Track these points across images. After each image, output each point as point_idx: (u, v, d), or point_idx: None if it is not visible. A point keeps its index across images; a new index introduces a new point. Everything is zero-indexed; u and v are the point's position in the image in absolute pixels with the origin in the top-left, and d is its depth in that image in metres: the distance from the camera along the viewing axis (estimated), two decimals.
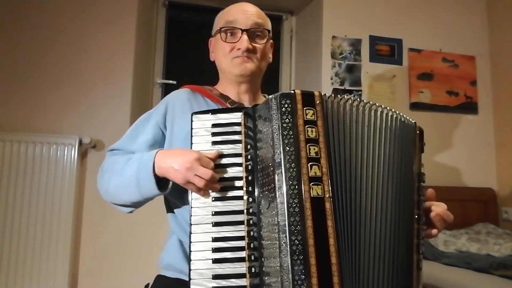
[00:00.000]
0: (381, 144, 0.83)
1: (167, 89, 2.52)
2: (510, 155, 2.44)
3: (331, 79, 2.37)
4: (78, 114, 2.10)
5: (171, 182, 0.88)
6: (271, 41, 1.11)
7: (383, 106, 0.86)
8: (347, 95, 0.86)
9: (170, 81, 2.52)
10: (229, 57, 1.05)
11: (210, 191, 0.81)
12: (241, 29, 1.03)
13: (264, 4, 2.67)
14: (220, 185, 0.81)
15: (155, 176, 0.86)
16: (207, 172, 0.79)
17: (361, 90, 2.39)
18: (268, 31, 1.08)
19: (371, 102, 0.85)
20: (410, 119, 0.90)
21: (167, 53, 2.58)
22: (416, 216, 0.85)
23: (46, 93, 2.09)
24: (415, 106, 2.45)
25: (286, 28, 2.78)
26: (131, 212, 1.00)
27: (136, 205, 0.96)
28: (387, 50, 2.47)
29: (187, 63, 2.58)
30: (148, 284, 1.01)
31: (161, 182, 0.88)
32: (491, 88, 2.59)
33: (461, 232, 2.09)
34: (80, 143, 2.02)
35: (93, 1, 2.18)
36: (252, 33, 1.04)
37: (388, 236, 0.79)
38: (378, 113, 0.85)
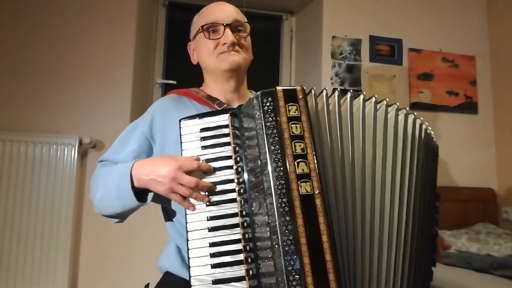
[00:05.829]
0: (386, 141, 0.83)
1: (167, 89, 2.51)
2: (510, 155, 2.44)
3: (331, 79, 2.36)
4: (78, 114, 2.10)
5: (150, 194, 0.88)
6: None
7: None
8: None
9: (170, 81, 2.52)
10: (214, 54, 1.04)
11: (196, 202, 0.79)
12: (223, 24, 1.03)
13: (264, 4, 2.68)
14: (206, 195, 0.79)
15: (134, 188, 0.85)
16: (191, 180, 0.78)
17: (361, 90, 2.39)
18: (248, 25, 1.08)
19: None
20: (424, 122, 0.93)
21: (167, 53, 2.58)
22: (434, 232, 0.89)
23: (46, 93, 2.09)
24: (415, 106, 2.44)
25: (286, 28, 2.77)
26: (120, 222, 1.00)
27: (121, 216, 0.96)
28: (387, 50, 2.46)
29: (187, 63, 2.56)
30: (148, 284, 1.01)
31: (142, 193, 0.87)
32: (491, 88, 2.59)
33: (461, 232, 2.09)
34: (80, 143, 2.02)
35: (93, 1, 2.18)
36: (235, 27, 1.04)
37: (398, 233, 0.79)
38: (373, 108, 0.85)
